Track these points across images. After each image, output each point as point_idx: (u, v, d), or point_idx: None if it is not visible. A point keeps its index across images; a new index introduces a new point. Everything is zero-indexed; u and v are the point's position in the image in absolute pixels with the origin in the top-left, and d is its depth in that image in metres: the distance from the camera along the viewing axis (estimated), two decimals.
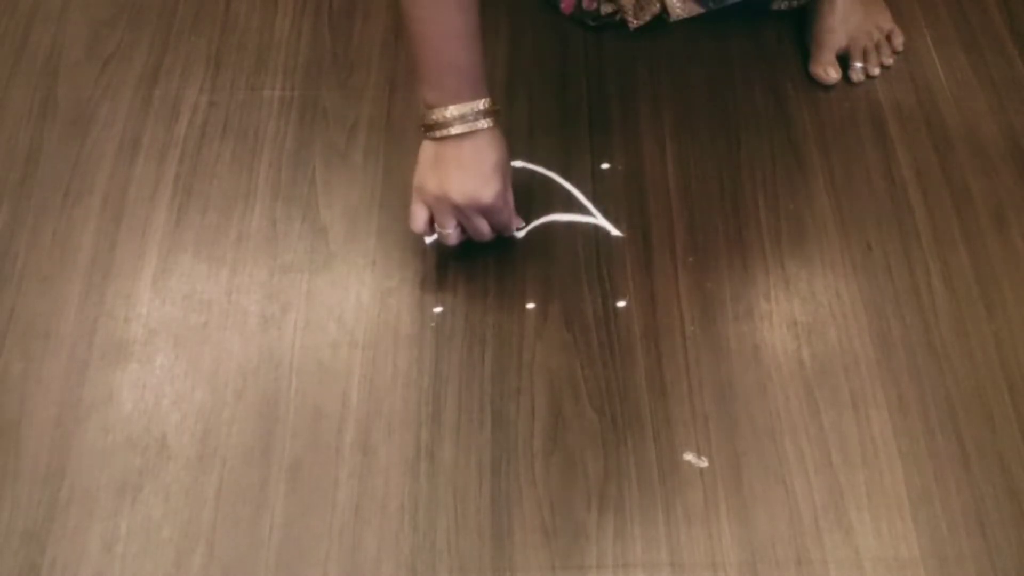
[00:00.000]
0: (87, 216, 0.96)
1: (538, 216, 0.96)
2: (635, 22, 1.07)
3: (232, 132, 1.02)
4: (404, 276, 0.92)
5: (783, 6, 1.11)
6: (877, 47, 1.07)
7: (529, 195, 0.97)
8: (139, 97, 1.04)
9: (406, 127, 1.01)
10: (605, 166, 0.99)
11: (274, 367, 0.87)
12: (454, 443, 0.83)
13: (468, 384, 0.86)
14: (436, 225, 0.87)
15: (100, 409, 0.84)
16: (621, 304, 0.91)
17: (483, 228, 0.87)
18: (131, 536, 0.78)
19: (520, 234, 0.94)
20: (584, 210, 0.97)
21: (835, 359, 0.88)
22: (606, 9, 1.08)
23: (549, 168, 0.99)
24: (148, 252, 0.93)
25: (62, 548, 0.78)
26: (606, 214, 0.96)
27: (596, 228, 0.96)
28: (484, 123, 0.81)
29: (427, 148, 0.83)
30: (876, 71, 1.07)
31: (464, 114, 0.80)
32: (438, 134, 0.81)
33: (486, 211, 0.85)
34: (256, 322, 0.89)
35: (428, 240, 0.90)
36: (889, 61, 1.08)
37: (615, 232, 0.95)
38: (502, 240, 0.91)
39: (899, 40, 1.09)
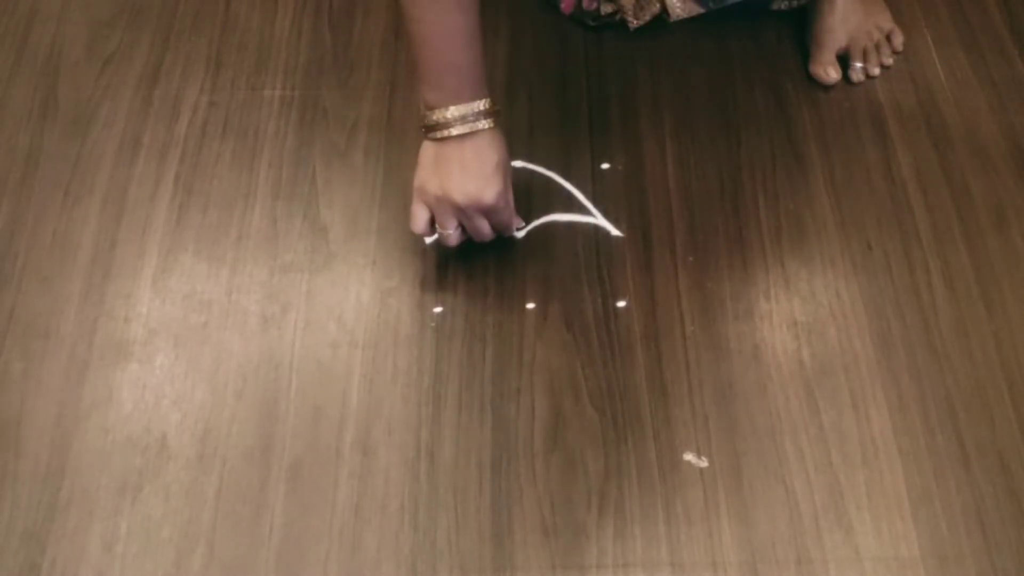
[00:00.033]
0: (87, 216, 0.96)
1: (538, 216, 0.96)
2: (635, 22, 1.07)
3: (232, 132, 1.02)
4: (404, 276, 0.92)
5: (783, 6, 1.11)
6: (877, 47, 1.07)
7: (529, 195, 0.97)
8: (139, 97, 1.04)
9: (406, 127, 1.01)
10: (605, 166, 1.00)
11: (274, 367, 0.87)
12: (454, 443, 0.83)
13: (468, 384, 0.86)
14: (437, 226, 0.87)
15: (100, 409, 0.84)
16: (621, 304, 0.91)
17: (484, 228, 0.87)
18: (131, 536, 0.78)
19: (520, 234, 0.94)
20: (584, 210, 0.97)
21: (835, 359, 0.88)
22: (606, 9, 1.08)
23: (549, 168, 0.99)
24: (148, 252, 0.94)
25: (62, 548, 0.78)
26: (606, 214, 0.96)
27: (596, 228, 0.96)
28: (484, 124, 0.81)
29: (428, 149, 0.83)
30: (876, 71, 1.07)
31: (465, 115, 0.80)
32: (439, 135, 0.81)
33: (488, 211, 0.85)
34: (256, 322, 0.89)
35: (428, 240, 0.90)
36: (889, 61, 1.08)
37: (615, 232, 0.95)
38: (502, 240, 0.91)
39: (899, 40, 1.09)
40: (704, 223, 0.96)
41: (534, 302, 0.91)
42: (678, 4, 1.06)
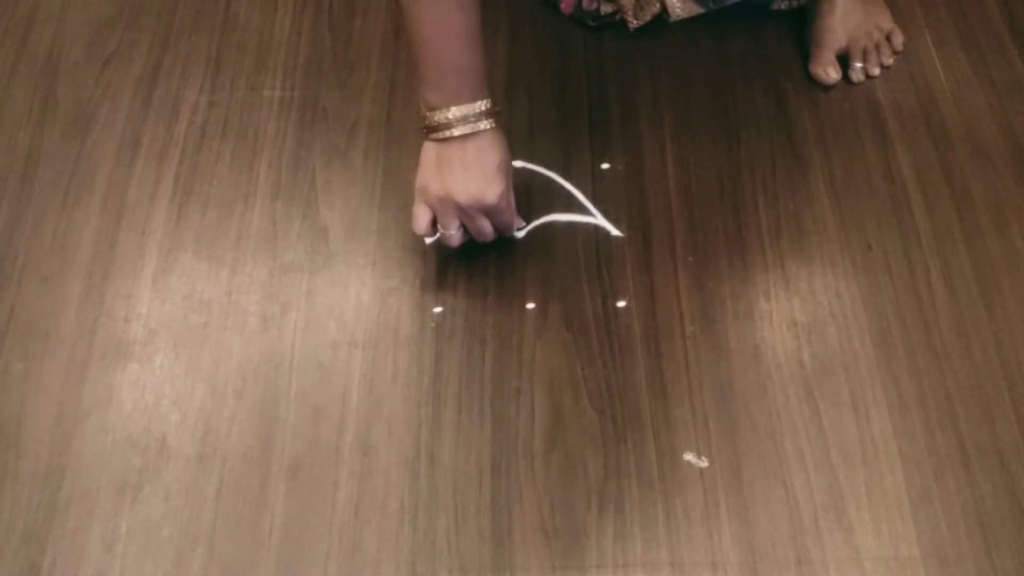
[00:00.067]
0: (87, 216, 0.96)
1: (538, 216, 0.96)
2: (635, 22, 1.07)
3: (232, 132, 1.02)
4: (404, 276, 0.92)
5: (783, 6, 1.11)
6: (877, 47, 1.07)
7: (529, 195, 0.97)
8: (139, 97, 1.04)
9: (406, 127, 1.01)
10: (605, 166, 1.00)
11: (274, 367, 0.87)
12: (454, 443, 0.83)
13: (468, 384, 0.86)
14: (439, 226, 0.87)
15: (100, 409, 0.84)
16: (621, 304, 0.91)
17: (486, 228, 0.87)
18: (131, 536, 0.78)
19: (520, 234, 0.95)
20: (584, 210, 0.97)
21: (835, 359, 0.88)
22: (606, 9, 1.08)
23: (549, 168, 0.99)
24: (148, 252, 0.93)
25: (62, 548, 0.78)
26: (606, 214, 0.96)
27: (596, 228, 0.96)
28: (486, 124, 0.81)
29: (429, 149, 0.83)
30: (876, 71, 1.07)
31: (466, 115, 0.80)
32: (440, 136, 0.81)
33: (490, 211, 0.85)
34: (256, 322, 0.89)
35: (429, 241, 0.90)
36: (889, 61, 1.08)
37: (615, 232, 0.95)
38: (502, 240, 0.91)
39: (899, 40, 1.09)
40: (704, 223, 0.96)
41: (534, 302, 0.91)
42: (678, 4, 1.06)
